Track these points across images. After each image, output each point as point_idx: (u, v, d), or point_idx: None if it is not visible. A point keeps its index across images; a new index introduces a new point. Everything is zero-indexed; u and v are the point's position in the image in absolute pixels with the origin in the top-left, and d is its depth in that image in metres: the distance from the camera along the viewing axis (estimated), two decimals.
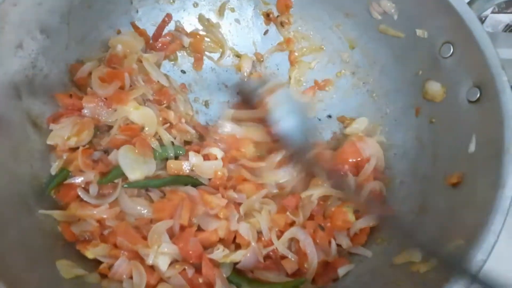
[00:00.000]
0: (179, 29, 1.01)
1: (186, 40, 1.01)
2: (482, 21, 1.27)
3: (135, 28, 0.97)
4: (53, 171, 0.82)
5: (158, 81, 0.93)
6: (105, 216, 0.78)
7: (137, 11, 0.97)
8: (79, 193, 0.79)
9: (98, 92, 0.85)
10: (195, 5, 1.01)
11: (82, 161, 0.80)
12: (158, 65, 0.99)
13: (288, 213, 0.81)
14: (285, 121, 0.86)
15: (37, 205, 0.76)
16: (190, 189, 0.82)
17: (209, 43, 1.04)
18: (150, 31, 0.99)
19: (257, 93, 0.89)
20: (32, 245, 0.72)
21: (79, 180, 0.80)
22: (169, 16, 1.00)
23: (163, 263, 0.75)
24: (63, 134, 0.83)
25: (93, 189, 0.81)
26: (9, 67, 0.76)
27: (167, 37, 1.00)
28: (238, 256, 0.77)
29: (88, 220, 0.78)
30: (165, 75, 0.97)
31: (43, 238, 0.75)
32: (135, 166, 0.81)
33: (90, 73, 0.88)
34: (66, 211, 0.79)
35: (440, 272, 0.61)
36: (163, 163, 0.86)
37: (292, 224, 0.81)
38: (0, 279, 0.60)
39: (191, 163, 0.84)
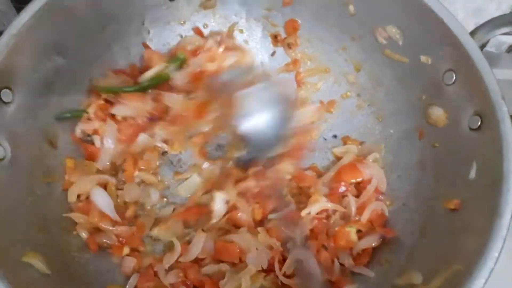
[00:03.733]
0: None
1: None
2: (485, 42, 1.30)
3: (146, 47, 1.01)
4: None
5: None
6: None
7: (148, 32, 1.00)
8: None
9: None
10: (205, 26, 1.05)
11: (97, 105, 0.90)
12: None
13: (283, 228, 0.83)
14: (256, 118, 0.80)
15: (54, 224, 0.79)
16: None
17: None
18: (161, 51, 1.02)
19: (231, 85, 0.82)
20: None
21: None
22: None
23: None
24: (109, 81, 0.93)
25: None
26: (26, 88, 0.80)
27: None
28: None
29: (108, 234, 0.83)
30: None
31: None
32: None
33: None
34: (87, 218, 0.83)
35: None
36: None
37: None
38: None
39: None
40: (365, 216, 0.84)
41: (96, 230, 0.83)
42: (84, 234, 0.83)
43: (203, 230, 0.87)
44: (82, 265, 0.78)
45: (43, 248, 0.72)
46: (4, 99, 0.75)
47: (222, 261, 0.82)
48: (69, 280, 0.73)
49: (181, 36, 1.04)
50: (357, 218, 0.85)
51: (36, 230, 0.74)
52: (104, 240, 0.83)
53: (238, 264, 0.81)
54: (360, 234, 0.84)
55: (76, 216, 0.82)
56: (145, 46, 1.00)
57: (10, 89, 0.76)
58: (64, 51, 0.86)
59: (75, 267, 0.76)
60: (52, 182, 0.83)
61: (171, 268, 0.81)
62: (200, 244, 0.83)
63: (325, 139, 1.03)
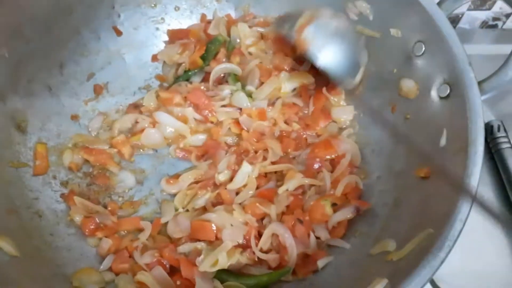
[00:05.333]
0: None
1: None
2: (459, 18, 1.31)
3: (118, 32, 1.00)
4: None
5: None
6: None
7: (119, 16, 0.99)
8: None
9: None
10: (177, 8, 1.04)
11: None
12: None
13: (258, 204, 0.82)
14: (326, 53, 0.85)
15: (24, 208, 0.78)
16: None
17: None
18: (132, 35, 1.02)
19: (292, 30, 0.86)
20: None
21: None
22: None
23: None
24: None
25: None
26: None
27: None
28: (225, 263, 0.77)
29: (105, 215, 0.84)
30: None
31: None
32: None
33: None
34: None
35: (411, 258, 0.64)
36: None
37: (264, 216, 0.84)
38: None
39: None
40: (340, 189, 0.84)
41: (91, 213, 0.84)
42: (78, 218, 0.83)
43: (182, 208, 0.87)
44: (54, 249, 0.77)
45: (12, 231, 0.70)
46: None
47: (199, 240, 0.81)
48: (40, 262, 0.72)
49: (153, 20, 1.03)
50: (332, 192, 0.85)
51: (5, 213, 0.73)
52: (99, 221, 0.83)
53: (215, 242, 0.81)
54: (335, 207, 0.84)
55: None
56: (116, 29, 0.99)
57: None
58: (30, 35, 0.84)
59: (47, 251, 0.75)
60: (21, 167, 0.81)
61: (146, 248, 0.81)
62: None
63: None
